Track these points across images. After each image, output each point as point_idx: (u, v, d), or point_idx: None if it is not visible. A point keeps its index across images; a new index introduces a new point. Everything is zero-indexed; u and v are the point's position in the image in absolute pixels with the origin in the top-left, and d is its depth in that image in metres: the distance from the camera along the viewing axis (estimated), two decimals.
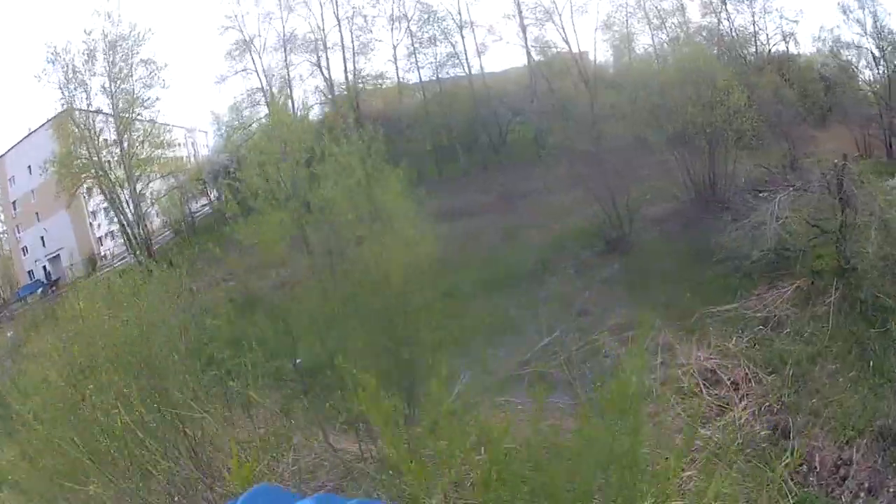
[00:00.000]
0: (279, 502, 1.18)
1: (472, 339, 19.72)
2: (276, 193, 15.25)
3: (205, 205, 43.77)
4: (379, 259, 13.22)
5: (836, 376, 12.94)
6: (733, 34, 32.19)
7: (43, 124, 38.95)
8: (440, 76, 38.21)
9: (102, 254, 44.16)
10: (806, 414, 12.40)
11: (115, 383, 10.87)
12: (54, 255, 44.19)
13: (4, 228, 46.92)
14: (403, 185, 14.59)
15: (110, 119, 37.29)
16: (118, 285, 13.24)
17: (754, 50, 32.56)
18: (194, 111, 71.98)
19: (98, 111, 36.86)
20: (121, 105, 37.06)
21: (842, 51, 31.43)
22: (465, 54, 37.42)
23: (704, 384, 13.25)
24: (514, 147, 35.42)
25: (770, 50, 32.73)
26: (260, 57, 39.58)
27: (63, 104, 36.86)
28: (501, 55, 60.66)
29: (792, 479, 12.01)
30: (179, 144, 47.58)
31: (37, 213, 44.50)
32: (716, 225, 19.94)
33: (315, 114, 39.57)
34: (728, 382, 13.04)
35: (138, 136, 38.46)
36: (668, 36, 32.36)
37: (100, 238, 44.11)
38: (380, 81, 39.13)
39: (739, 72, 26.53)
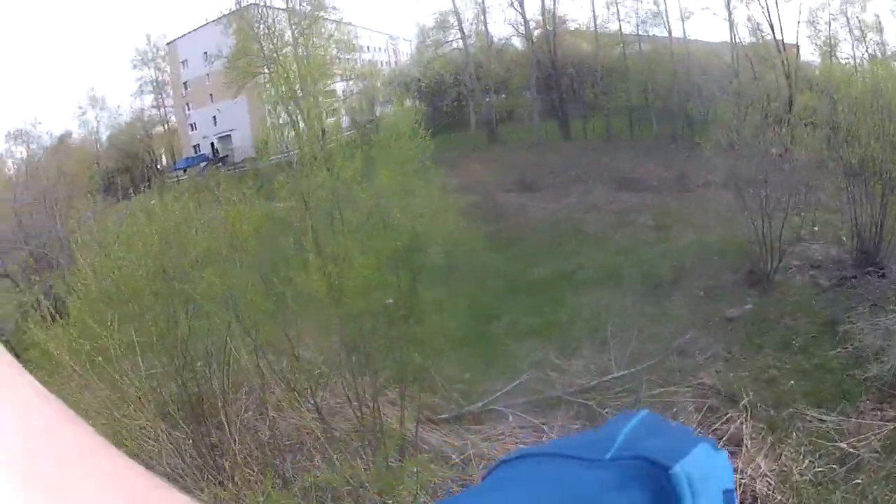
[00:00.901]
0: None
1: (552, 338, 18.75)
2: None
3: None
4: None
5: None
6: None
7: (221, 16, 41.58)
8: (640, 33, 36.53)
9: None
10: None
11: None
12: (225, 134, 48.21)
13: (172, 104, 51.77)
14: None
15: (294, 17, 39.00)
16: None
17: None
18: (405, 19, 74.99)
19: (278, 8, 38.72)
20: (305, 8, 38.61)
21: None
22: (667, 16, 35.72)
23: None
24: (710, 126, 32.63)
25: None
26: None
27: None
28: (704, 25, 57.42)
29: None
30: (379, 49, 49.52)
31: (210, 95, 48.30)
32: (866, 295, 16.66)
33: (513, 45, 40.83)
34: None
35: (321, 36, 40.13)
36: (867, 51, 30.09)
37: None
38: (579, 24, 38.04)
39: None
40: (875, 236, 18.86)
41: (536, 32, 38.57)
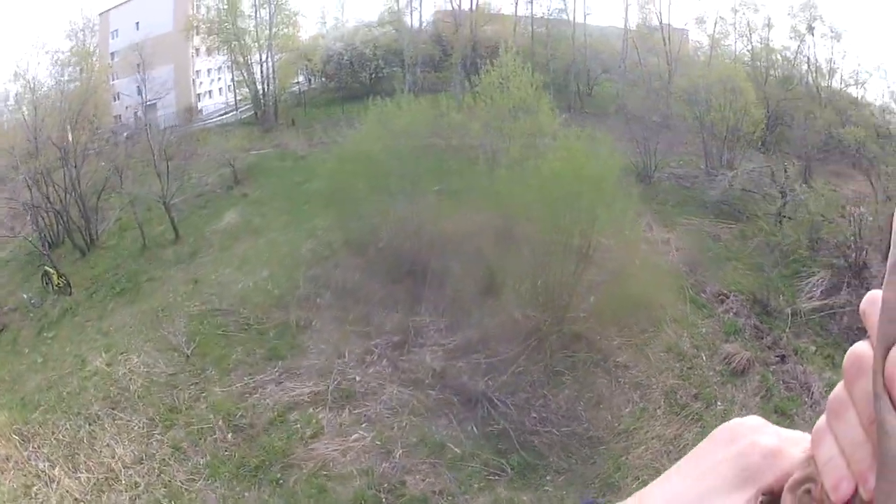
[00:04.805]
0: None
1: None
2: None
3: (296, 82, 58.55)
4: None
5: None
6: (815, 62, 45.24)
7: None
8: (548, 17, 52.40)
9: (199, 109, 58.46)
10: None
11: None
12: (151, 103, 55.89)
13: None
14: None
15: None
16: None
17: (826, 84, 45.29)
18: None
19: None
20: None
21: None
22: (574, 12, 51.66)
23: None
24: (597, 100, 49.71)
25: (842, 89, 45.51)
26: None
27: None
28: (604, 9, 75.25)
29: None
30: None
31: (137, 65, 57.02)
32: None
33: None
34: None
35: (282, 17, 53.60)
36: (751, 45, 46.72)
37: (199, 95, 58.00)
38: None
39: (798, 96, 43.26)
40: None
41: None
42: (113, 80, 58.64)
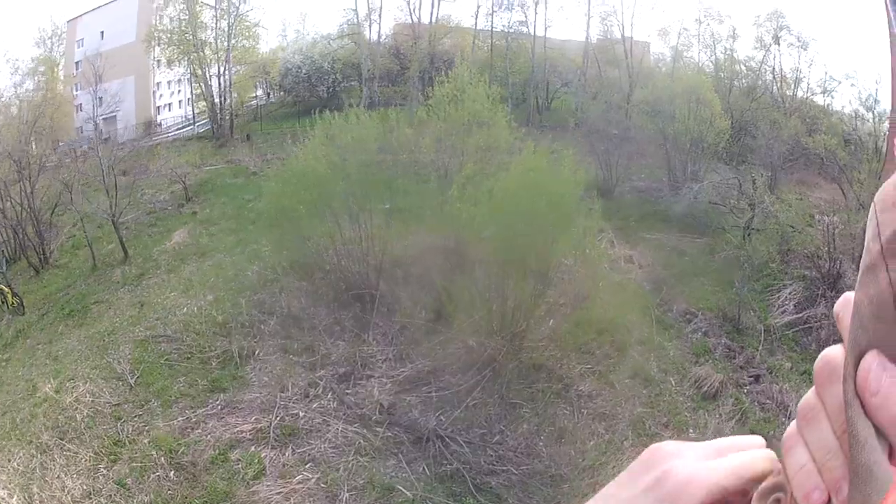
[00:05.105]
0: None
1: None
2: None
3: (254, 96, 57.19)
4: None
5: None
6: (780, 72, 44.84)
7: None
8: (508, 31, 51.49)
9: (158, 122, 56.88)
10: None
11: None
12: (110, 115, 54.86)
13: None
14: None
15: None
16: None
17: (791, 93, 45.14)
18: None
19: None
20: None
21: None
22: (535, 25, 50.49)
23: None
24: (556, 113, 49.00)
25: (808, 98, 45.16)
26: None
27: None
28: (565, 22, 74.74)
29: None
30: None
31: (99, 76, 56.04)
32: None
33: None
34: None
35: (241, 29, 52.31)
36: (715, 56, 46.37)
37: (158, 108, 56.49)
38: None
39: (763, 106, 42.25)
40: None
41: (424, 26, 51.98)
42: (76, 90, 56.89)
